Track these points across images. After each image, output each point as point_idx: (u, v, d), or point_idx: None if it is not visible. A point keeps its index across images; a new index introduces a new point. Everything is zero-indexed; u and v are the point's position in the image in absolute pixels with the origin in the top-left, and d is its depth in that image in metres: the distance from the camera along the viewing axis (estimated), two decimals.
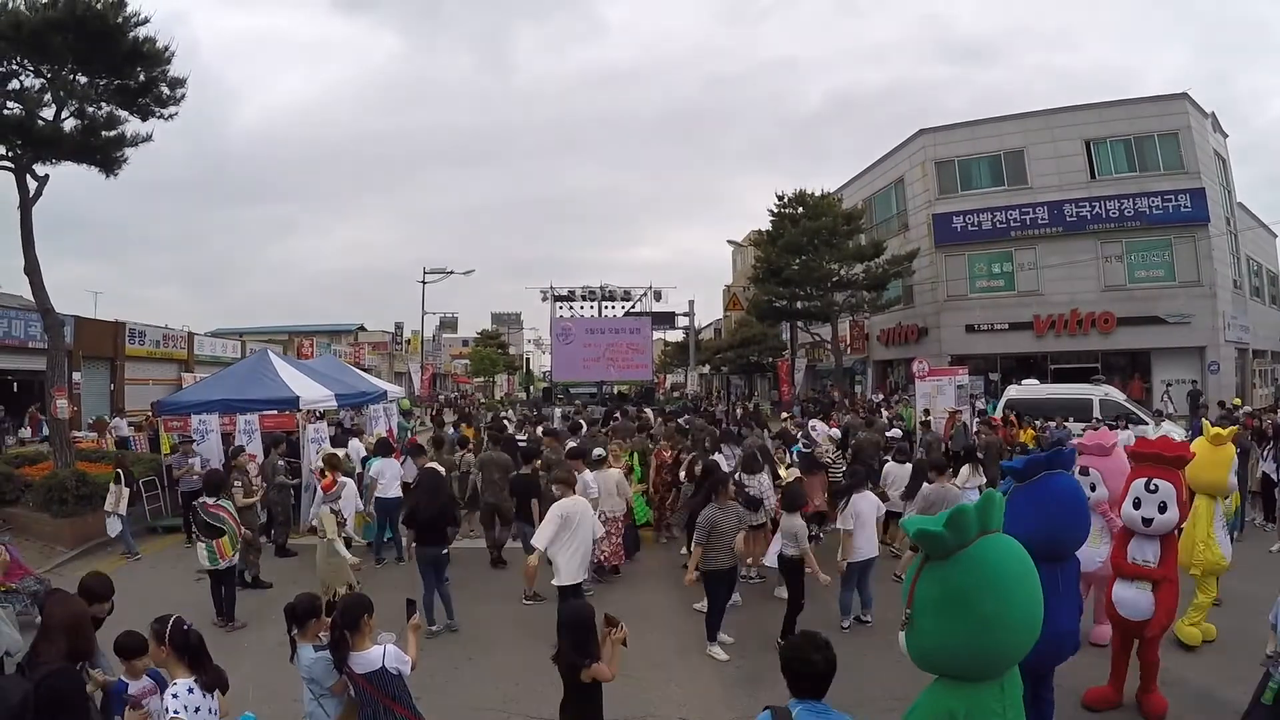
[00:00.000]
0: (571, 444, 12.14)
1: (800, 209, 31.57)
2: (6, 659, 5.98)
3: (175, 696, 3.78)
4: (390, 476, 11.16)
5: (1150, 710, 5.90)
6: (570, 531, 7.19)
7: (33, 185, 14.60)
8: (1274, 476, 12.28)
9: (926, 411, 18.20)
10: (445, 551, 8.10)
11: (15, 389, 24.72)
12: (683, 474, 10.92)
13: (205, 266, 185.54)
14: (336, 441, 14.77)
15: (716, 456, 10.55)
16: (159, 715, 3.89)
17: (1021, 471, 5.27)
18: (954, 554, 3.28)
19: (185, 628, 3.97)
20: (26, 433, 22.16)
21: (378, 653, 4.25)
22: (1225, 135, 32.18)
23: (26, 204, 14.49)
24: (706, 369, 55.07)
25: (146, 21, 14.55)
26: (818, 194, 32.09)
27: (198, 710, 3.79)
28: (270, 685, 6.18)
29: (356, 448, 13.56)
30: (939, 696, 3.38)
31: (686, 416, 18.17)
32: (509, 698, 6.38)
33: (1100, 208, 28.13)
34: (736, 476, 9.26)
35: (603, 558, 9.47)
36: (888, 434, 13.98)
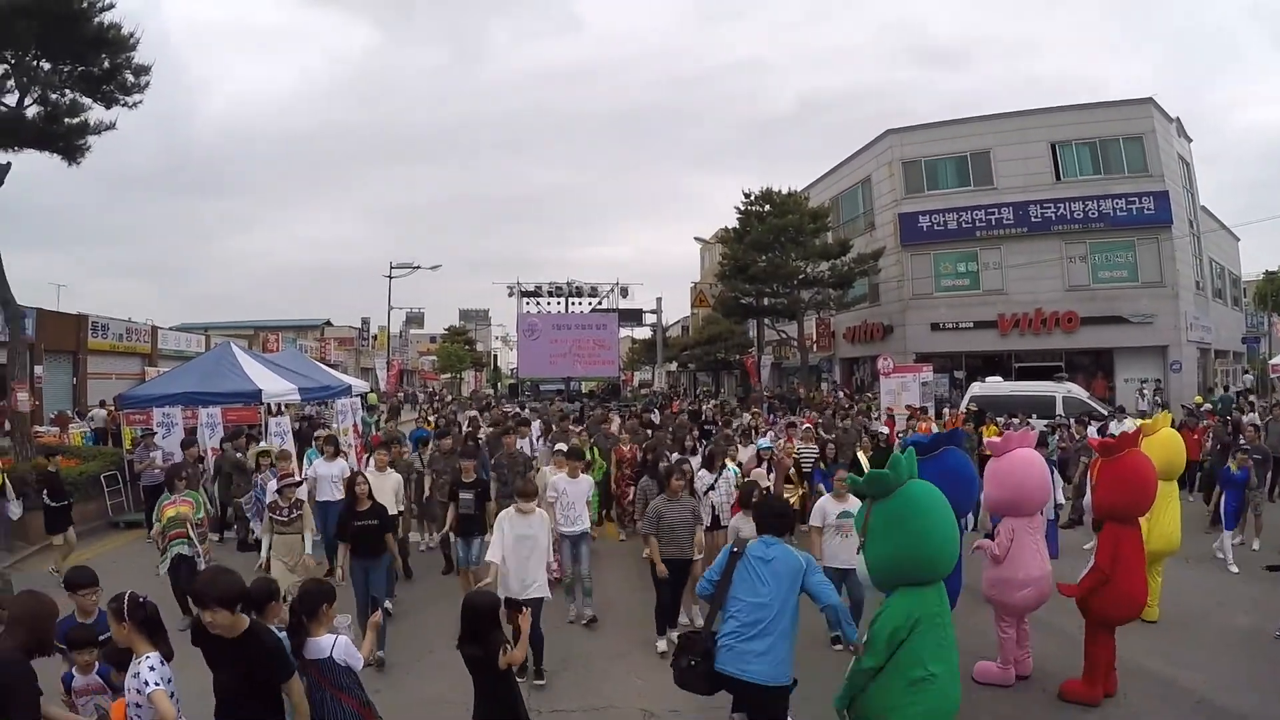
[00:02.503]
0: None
1: (767, 207, 31.81)
2: None
3: (152, 669, 3.72)
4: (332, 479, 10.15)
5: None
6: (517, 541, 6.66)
7: None
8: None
9: (889, 410, 18.46)
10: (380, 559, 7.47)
11: None
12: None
13: (169, 260, 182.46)
14: (301, 436, 14.71)
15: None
16: (133, 693, 3.81)
17: (928, 445, 6.54)
18: (892, 491, 4.73)
19: (141, 600, 3.93)
20: None
21: (327, 642, 4.24)
22: (1189, 140, 32.81)
23: None
24: (674, 366, 55.19)
25: (111, 7, 14.40)
26: (785, 192, 32.28)
27: (169, 681, 3.76)
28: None
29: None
30: (899, 602, 4.61)
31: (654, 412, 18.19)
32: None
33: (1065, 209, 28.57)
34: (697, 472, 9.11)
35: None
36: (872, 429, 14.06)
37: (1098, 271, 28.68)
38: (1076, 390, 20.41)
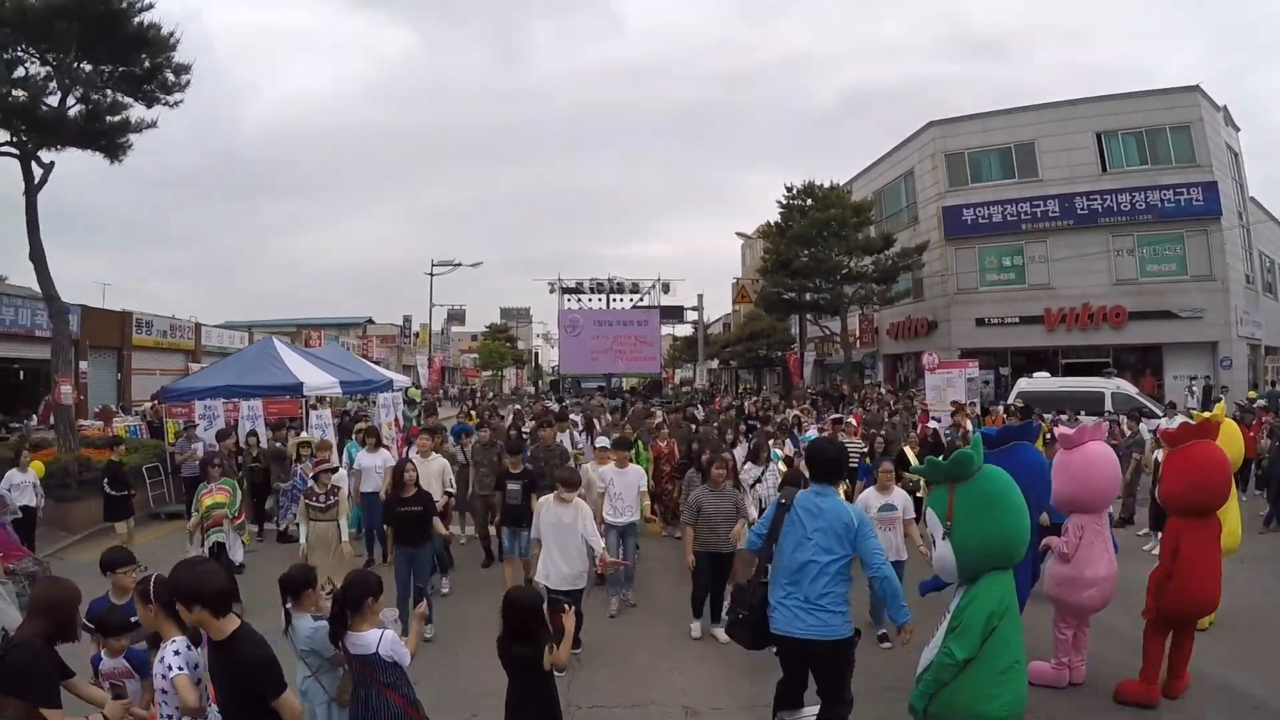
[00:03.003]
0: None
1: (809, 201, 31.46)
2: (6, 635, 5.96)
3: (176, 654, 3.66)
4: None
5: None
6: (550, 529, 6.78)
7: (38, 172, 14.57)
8: None
9: (923, 406, 18.19)
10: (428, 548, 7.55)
11: (21, 377, 24.71)
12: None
13: (215, 261, 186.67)
14: (342, 429, 14.77)
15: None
16: (159, 678, 3.74)
17: (995, 439, 6.10)
18: (973, 475, 4.53)
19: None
20: (33, 421, 22.12)
21: (374, 637, 4.06)
22: (1237, 129, 31.86)
23: (31, 191, 14.47)
24: (715, 364, 54.94)
25: (151, 7, 14.51)
26: (827, 186, 31.91)
27: (195, 666, 3.69)
28: None
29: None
30: (990, 587, 4.39)
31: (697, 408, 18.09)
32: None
33: (1111, 200, 27.81)
34: (742, 465, 9.10)
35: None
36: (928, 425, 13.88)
37: (1145, 265, 27.93)
38: (1125, 386, 19.91)
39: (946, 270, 31.20)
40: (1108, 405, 18.04)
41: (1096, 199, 28.05)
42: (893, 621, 4.79)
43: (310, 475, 8.33)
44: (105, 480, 10.80)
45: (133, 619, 4.32)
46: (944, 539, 4.59)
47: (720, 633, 7.12)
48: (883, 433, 11.80)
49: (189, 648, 3.71)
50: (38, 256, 14.47)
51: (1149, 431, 13.18)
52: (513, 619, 4.36)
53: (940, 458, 4.94)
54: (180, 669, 3.62)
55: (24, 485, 10.30)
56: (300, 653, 4.36)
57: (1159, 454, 11.07)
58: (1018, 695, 4.32)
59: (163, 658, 3.68)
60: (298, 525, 8.43)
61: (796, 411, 17.57)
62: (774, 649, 4.82)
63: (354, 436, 12.25)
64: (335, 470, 8.50)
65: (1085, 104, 29.14)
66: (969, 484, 4.53)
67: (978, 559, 4.48)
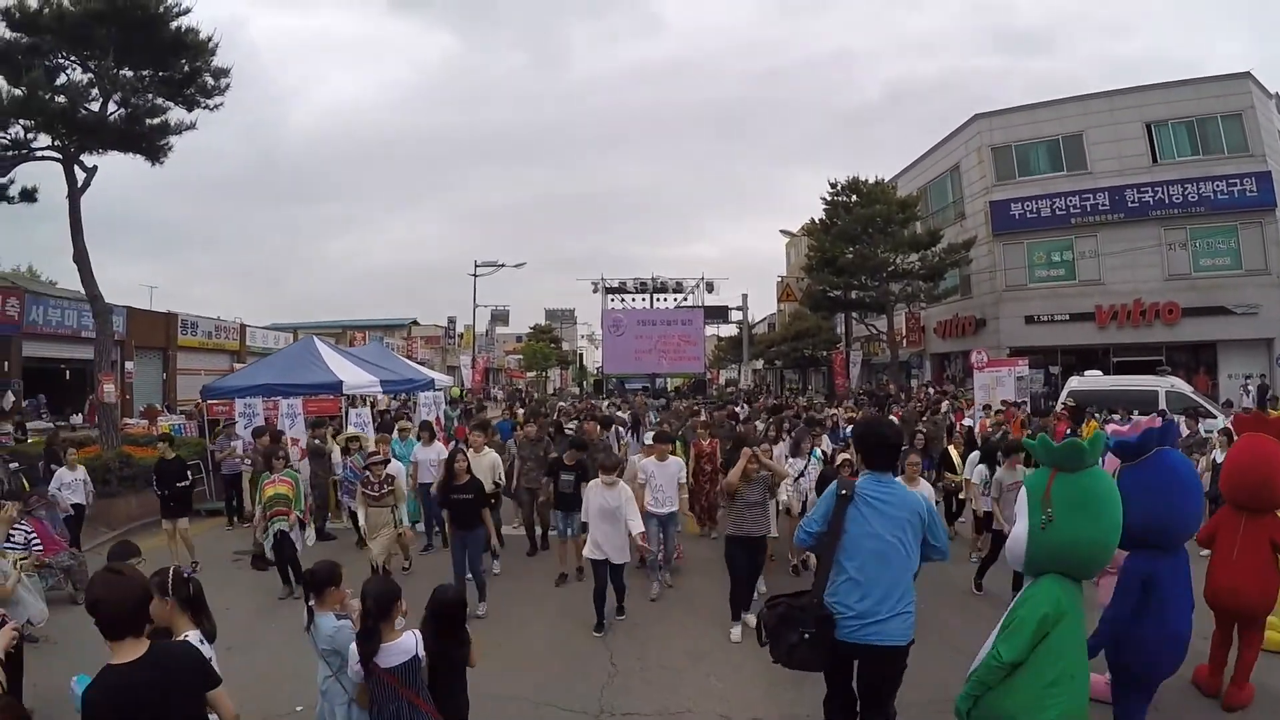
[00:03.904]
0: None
1: (854, 196, 31.05)
2: (30, 628, 5.95)
3: (197, 646, 3.52)
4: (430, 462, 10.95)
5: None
6: (598, 512, 7.48)
7: (81, 176, 14.76)
8: None
9: (987, 407, 17.74)
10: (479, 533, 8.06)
11: (67, 376, 25.18)
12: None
13: (260, 265, 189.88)
14: (383, 427, 14.78)
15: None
16: None
17: (1135, 447, 4.83)
18: (1083, 469, 4.03)
19: (186, 576, 3.77)
20: (78, 419, 22.52)
21: (410, 641, 3.92)
22: None
23: (74, 194, 14.69)
24: (760, 364, 54.58)
25: (188, 11, 14.64)
26: (871, 181, 31.45)
27: (212, 660, 3.54)
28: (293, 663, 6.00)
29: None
30: (1051, 587, 3.97)
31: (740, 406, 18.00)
32: (539, 686, 6.12)
33: (1163, 192, 27.00)
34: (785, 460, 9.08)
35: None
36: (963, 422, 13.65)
37: (1198, 259, 27.03)
38: (1180, 385, 19.23)
39: (994, 266, 30.55)
40: (1162, 404, 17.48)
41: (1147, 191, 27.28)
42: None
43: (362, 467, 9.13)
44: (155, 479, 10.74)
45: None
46: (1025, 521, 4.17)
47: (752, 619, 7.18)
48: (922, 429, 11.54)
49: (202, 641, 3.61)
50: (81, 258, 14.67)
51: (1211, 431, 12.66)
52: (437, 615, 4.20)
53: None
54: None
55: (74, 484, 10.43)
56: (321, 651, 4.22)
57: (1217, 454, 10.72)
58: (1070, 710, 3.90)
59: None
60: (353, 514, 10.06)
61: (834, 411, 17.31)
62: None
63: (395, 434, 12.35)
64: (387, 462, 8.98)
65: (1134, 93, 28.33)
66: (1074, 477, 4.05)
67: (1053, 556, 4.05)
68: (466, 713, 4.37)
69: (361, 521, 8.91)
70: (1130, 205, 27.52)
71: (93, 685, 2.83)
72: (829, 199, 32.20)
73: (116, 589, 2.89)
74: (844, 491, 4.30)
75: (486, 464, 9.41)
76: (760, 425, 12.92)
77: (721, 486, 8.10)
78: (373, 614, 3.94)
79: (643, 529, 7.57)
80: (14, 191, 14.52)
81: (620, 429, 13.80)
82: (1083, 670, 3.99)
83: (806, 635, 4.20)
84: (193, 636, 3.60)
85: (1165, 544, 4.59)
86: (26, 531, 7.75)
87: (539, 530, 10.80)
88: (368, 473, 8.77)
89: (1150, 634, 4.57)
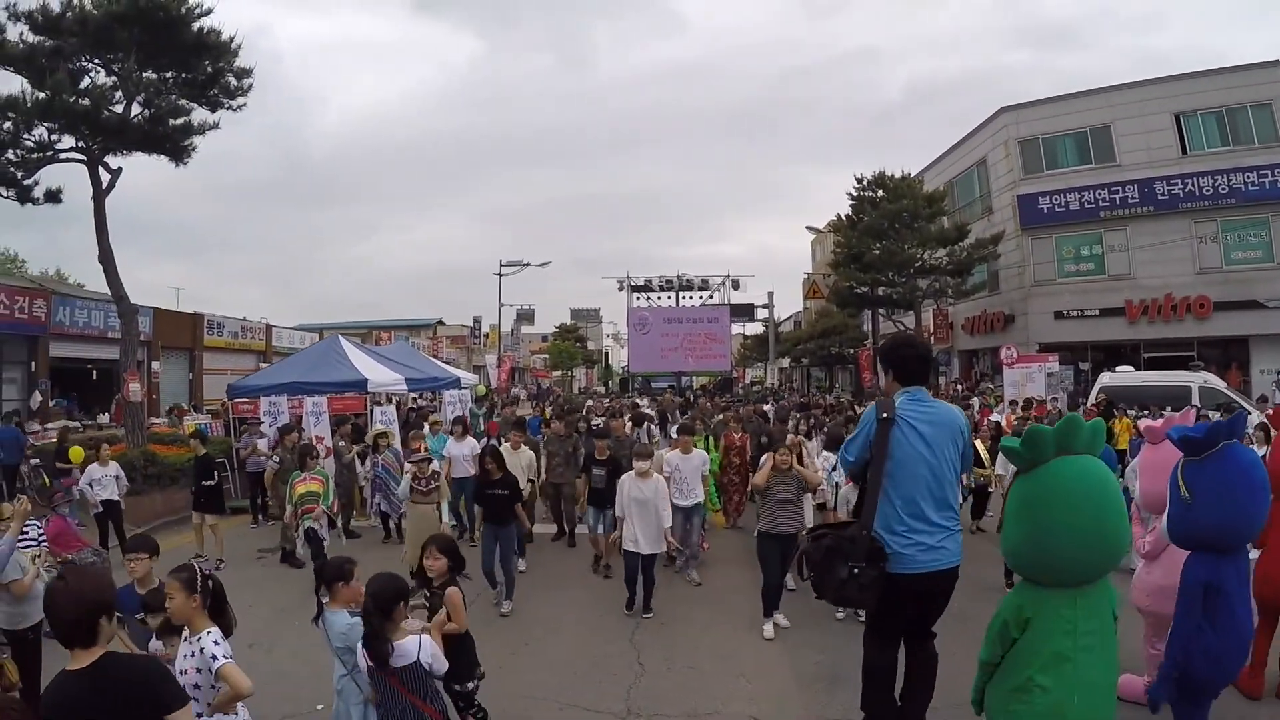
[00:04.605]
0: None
1: (880, 192, 30.82)
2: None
3: (217, 644, 3.50)
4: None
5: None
6: (633, 504, 7.62)
7: (105, 178, 14.84)
8: None
9: (1014, 403, 17.48)
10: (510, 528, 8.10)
11: (94, 376, 25.43)
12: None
13: (286, 267, 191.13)
14: (409, 426, 14.78)
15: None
16: (194, 672, 3.56)
17: (1202, 442, 4.32)
18: (1033, 468, 3.73)
19: (208, 574, 3.73)
20: (105, 418, 22.69)
21: (412, 645, 3.81)
22: None
23: (99, 195, 14.75)
24: (786, 362, 54.36)
25: (210, 12, 14.68)
26: (898, 176, 31.19)
27: (229, 657, 3.53)
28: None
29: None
30: (1016, 594, 3.87)
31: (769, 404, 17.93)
32: (565, 686, 6.03)
33: (1193, 184, 26.48)
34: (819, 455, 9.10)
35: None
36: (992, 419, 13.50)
37: (1230, 252, 26.48)
38: (1213, 380, 18.87)
39: (1023, 261, 30.15)
40: (1195, 400, 17.15)
41: (1177, 183, 26.77)
42: None
43: (408, 465, 9.13)
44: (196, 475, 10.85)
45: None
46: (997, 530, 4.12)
47: (783, 619, 7.31)
48: None
49: (218, 643, 3.56)
50: (106, 259, 14.75)
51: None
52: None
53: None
54: (228, 657, 3.48)
55: (105, 480, 10.40)
56: (335, 650, 4.15)
57: (1255, 450, 10.44)
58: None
59: (201, 649, 3.50)
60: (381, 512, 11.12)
61: (863, 409, 17.20)
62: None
63: (426, 429, 12.54)
64: (429, 460, 9.07)
65: (1162, 84, 27.81)
66: (1026, 476, 3.81)
67: (1015, 560, 3.95)
68: None
69: (404, 496, 9.00)
70: (1160, 198, 27.05)
71: (48, 688, 2.78)
72: (855, 194, 31.97)
73: (60, 598, 2.80)
74: (885, 415, 4.11)
75: (524, 461, 9.77)
76: (791, 422, 12.81)
77: (751, 486, 8.18)
78: (372, 612, 3.84)
79: (671, 523, 7.83)
80: (39, 193, 14.60)
81: (653, 427, 13.84)
82: (1062, 686, 3.66)
83: (856, 570, 4.04)
84: (215, 632, 3.57)
85: (1229, 546, 4.28)
86: (38, 527, 7.78)
87: (567, 526, 10.97)
88: (415, 468, 8.86)
89: (1216, 640, 4.25)
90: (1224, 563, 4.26)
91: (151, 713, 2.69)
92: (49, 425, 17.82)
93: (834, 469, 8.68)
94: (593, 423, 13.71)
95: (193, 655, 3.54)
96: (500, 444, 10.43)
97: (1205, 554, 4.31)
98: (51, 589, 2.93)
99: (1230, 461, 4.26)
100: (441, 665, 3.88)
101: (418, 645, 3.81)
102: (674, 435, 10.33)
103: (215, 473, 11.04)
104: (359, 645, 3.94)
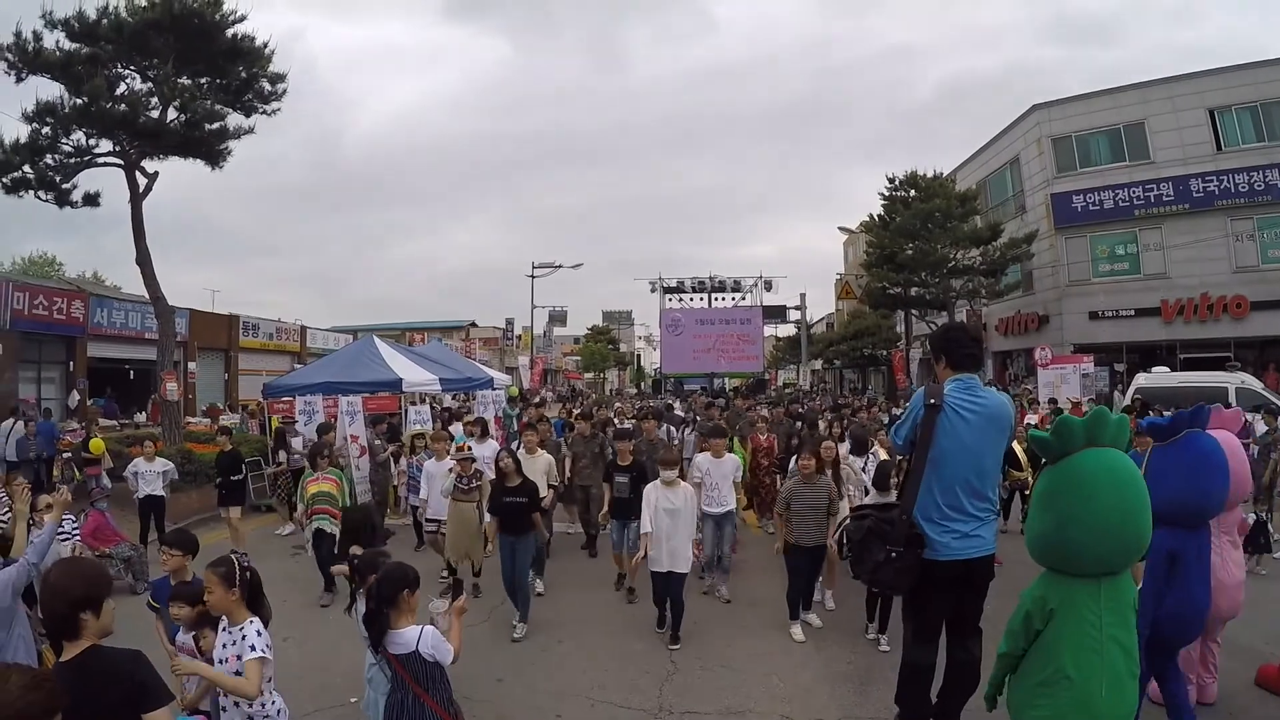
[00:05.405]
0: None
1: (912, 191, 30.67)
2: None
3: (259, 634, 3.59)
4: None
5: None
6: (662, 515, 7.02)
7: (142, 182, 15.10)
8: None
9: (1052, 401, 17.29)
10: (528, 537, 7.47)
11: (131, 376, 25.90)
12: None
13: (321, 270, 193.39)
14: (443, 425, 14.88)
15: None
16: (233, 659, 3.65)
17: (1167, 429, 4.91)
18: (1059, 459, 3.69)
19: (246, 566, 3.79)
20: (142, 417, 23.08)
21: (413, 634, 3.80)
22: None
23: (136, 199, 15.04)
24: (819, 364, 54.17)
25: (243, 19, 14.92)
26: (930, 175, 30.99)
27: (269, 647, 3.63)
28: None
29: (457, 430, 13.53)
30: (1040, 583, 3.78)
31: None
32: (598, 684, 6.05)
33: (1228, 181, 26.03)
34: (845, 458, 8.83)
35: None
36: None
37: (1267, 250, 25.94)
38: (1251, 381, 18.55)
39: (1057, 261, 29.81)
40: (1232, 401, 16.87)
41: (1213, 180, 26.32)
42: None
43: (453, 464, 8.65)
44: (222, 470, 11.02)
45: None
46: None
47: (814, 618, 7.29)
48: None
49: (260, 633, 3.65)
50: (144, 261, 15.03)
51: None
52: (379, 593, 3.95)
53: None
54: (265, 650, 3.56)
55: (150, 475, 10.51)
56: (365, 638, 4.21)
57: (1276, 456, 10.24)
58: (1062, 714, 3.65)
59: (244, 636, 3.59)
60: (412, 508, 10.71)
61: (898, 411, 17.11)
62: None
63: (461, 429, 12.50)
64: (471, 458, 8.66)
65: (1195, 79, 27.31)
66: (1052, 468, 3.80)
67: (1038, 551, 3.86)
68: None
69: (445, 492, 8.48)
70: (1195, 195, 26.61)
71: None
72: (887, 194, 31.83)
73: (44, 592, 2.86)
74: (932, 400, 4.13)
75: (541, 467, 8.74)
76: (822, 425, 12.68)
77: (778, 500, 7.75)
78: (376, 598, 3.87)
79: (697, 536, 7.50)
80: (77, 196, 14.89)
81: (671, 428, 13.49)
82: (1091, 677, 3.62)
83: (894, 554, 4.08)
84: (257, 622, 3.66)
85: (1189, 522, 4.65)
86: (73, 520, 7.94)
87: (591, 532, 10.49)
88: (458, 467, 8.38)
89: (1174, 602, 4.63)
90: (1188, 536, 4.65)
91: (131, 709, 2.71)
92: (91, 424, 18.10)
93: (862, 470, 8.63)
94: (619, 425, 13.58)
95: (233, 644, 3.62)
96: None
97: (1170, 528, 4.57)
98: (41, 587, 2.97)
99: (1192, 446, 4.76)
100: (445, 656, 3.86)
101: (418, 635, 3.80)
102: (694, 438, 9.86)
103: (243, 467, 11.20)
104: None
